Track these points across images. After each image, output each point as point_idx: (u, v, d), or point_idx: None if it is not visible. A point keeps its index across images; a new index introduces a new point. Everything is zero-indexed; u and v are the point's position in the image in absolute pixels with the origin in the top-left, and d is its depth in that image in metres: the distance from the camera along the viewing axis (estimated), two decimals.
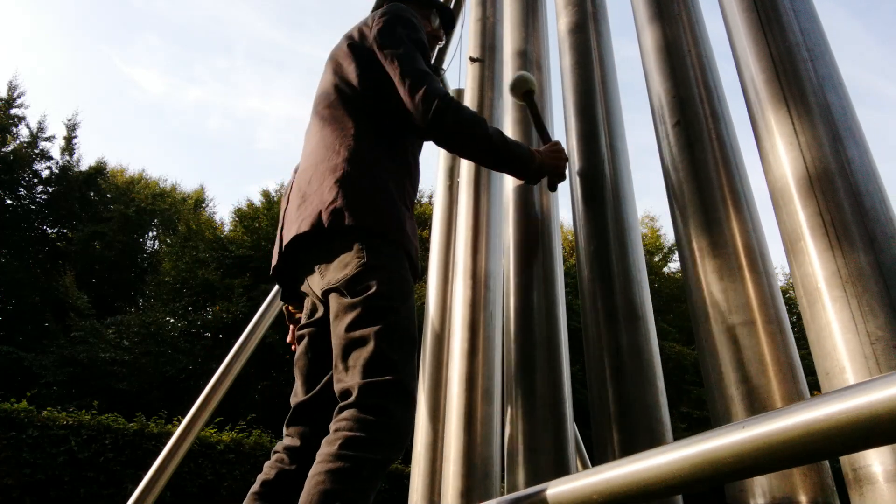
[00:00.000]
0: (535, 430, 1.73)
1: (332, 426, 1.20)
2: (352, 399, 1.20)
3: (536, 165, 1.63)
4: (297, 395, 1.46)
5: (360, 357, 1.24)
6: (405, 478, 8.74)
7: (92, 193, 17.12)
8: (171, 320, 14.45)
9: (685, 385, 15.13)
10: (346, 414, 1.19)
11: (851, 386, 0.71)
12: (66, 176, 16.39)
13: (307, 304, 1.54)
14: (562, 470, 1.67)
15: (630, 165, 1.95)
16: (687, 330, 16.36)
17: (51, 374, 12.07)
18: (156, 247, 18.59)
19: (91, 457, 6.93)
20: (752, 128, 1.41)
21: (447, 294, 2.68)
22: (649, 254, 19.09)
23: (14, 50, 38.69)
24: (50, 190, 16.26)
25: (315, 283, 1.41)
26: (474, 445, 1.83)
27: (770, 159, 1.29)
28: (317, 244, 1.41)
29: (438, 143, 1.61)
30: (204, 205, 21.03)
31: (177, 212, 18.77)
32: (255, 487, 1.35)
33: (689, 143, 1.60)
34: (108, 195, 17.53)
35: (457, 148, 1.59)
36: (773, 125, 1.29)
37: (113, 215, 16.64)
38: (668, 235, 19.61)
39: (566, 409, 1.77)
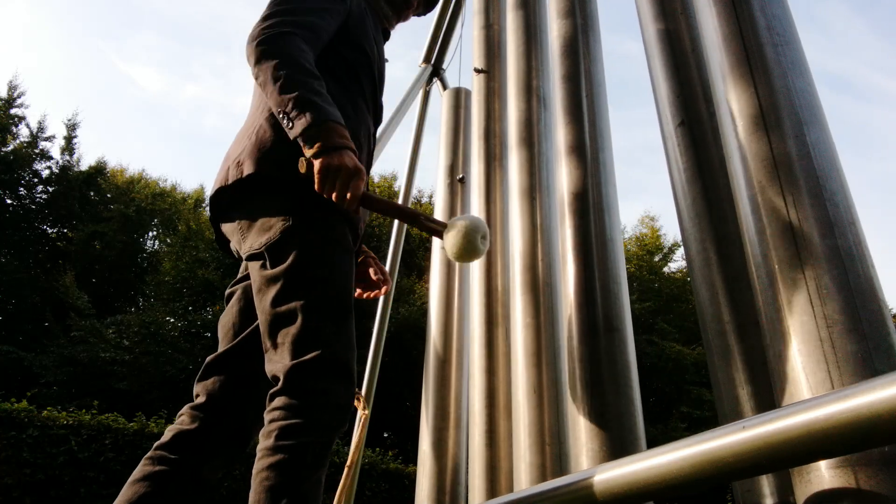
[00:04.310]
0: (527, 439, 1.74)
1: (266, 416, 1.13)
2: (280, 384, 1.13)
3: (313, 131, 1.19)
4: (215, 352, 1.37)
5: (288, 334, 1.15)
6: (405, 477, 8.73)
7: (92, 193, 17.09)
8: (171, 320, 14.44)
9: (685, 385, 15.12)
10: (277, 402, 1.12)
11: (851, 386, 0.71)
12: (66, 176, 16.36)
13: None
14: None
15: (615, 175, 1.94)
16: (687, 330, 16.34)
17: (51, 373, 12.05)
18: (156, 247, 18.57)
19: (91, 457, 6.92)
20: (715, 108, 1.40)
21: (451, 290, 2.67)
22: (649, 254, 19.06)
23: (14, 49, 38.70)
24: (50, 190, 16.23)
25: (236, 242, 1.32)
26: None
27: (734, 140, 1.29)
28: (238, 200, 1.32)
29: None
30: (204, 204, 21.02)
31: (177, 212, 18.75)
32: (150, 452, 1.26)
33: (694, 143, 1.60)
34: (108, 195, 17.51)
35: (258, 85, 1.31)
36: (739, 108, 1.28)
37: (113, 215, 16.62)
38: (668, 235, 19.59)
39: (566, 409, 1.77)
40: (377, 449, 9.30)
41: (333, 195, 1.20)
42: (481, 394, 2.06)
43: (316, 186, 1.20)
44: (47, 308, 14.28)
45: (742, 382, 1.32)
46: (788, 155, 1.16)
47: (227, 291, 1.44)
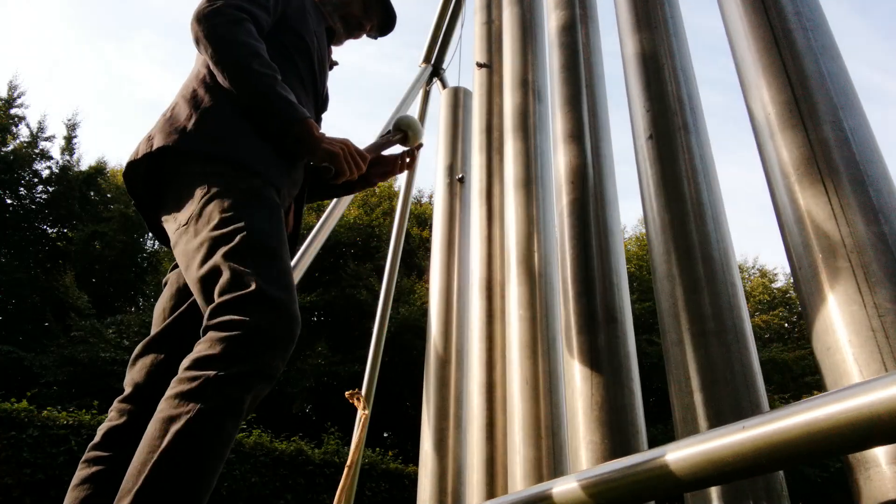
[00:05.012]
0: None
1: None
2: (204, 324, 1.09)
3: (297, 129, 1.31)
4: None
5: (216, 287, 1.13)
6: (406, 478, 8.72)
7: (92, 193, 17.10)
8: None
9: None
10: (201, 339, 1.08)
11: (851, 386, 0.70)
12: (66, 176, 16.37)
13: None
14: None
15: (614, 167, 1.93)
16: None
17: (51, 373, 12.06)
18: (156, 246, 18.57)
19: None
20: (744, 100, 1.39)
21: (451, 288, 2.67)
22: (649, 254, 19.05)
23: (14, 49, 38.70)
24: (50, 190, 16.24)
25: (170, 232, 1.31)
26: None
27: (766, 128, 1.27)
28: (156, 186, 1.33)
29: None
30: None
31: None
32: (84, 455, 1.22)
33: (660, 157, 1.60)
34: (108, 195, 17.51)
35: (212, 66, 1.34)
36: (771, 95, 1.26)
37: (113, 215, 16.61)
38: None
39: (562, 410, 1.77)
40: (377, 449, 9.30)
41: (354, 172, 1.41)
42: (480, 388, 2.05)
43: (343, 174, 1.37)
44: (47, 308, 14.28)
45: (695, 390, 1.32)
46: (826, 141, 1.13)
47: (163, 281, 1.45)
